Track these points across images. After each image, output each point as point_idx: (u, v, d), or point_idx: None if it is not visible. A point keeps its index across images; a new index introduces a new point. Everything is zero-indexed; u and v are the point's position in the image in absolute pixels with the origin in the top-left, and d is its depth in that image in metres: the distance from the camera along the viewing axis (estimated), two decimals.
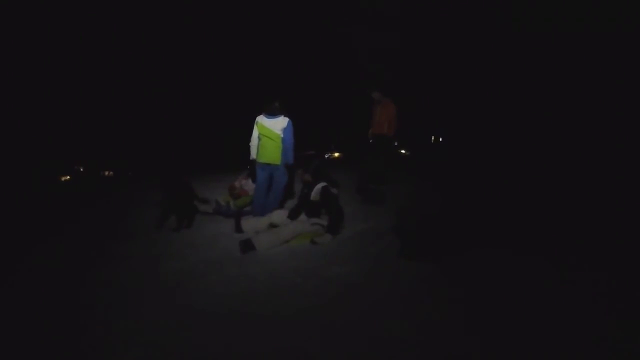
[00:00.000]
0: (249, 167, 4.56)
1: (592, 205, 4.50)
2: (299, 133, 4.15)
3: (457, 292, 2.41)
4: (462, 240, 3.14)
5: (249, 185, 4.73)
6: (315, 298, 2.37)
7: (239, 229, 3.78)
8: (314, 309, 2.23)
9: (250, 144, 4.25)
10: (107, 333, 2.06)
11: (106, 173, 14.99)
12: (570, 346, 1.83)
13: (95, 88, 14.27)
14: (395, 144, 21.04)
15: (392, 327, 2.02)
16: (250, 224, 3.85)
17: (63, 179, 13.76)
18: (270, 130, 4.02)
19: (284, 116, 4.05)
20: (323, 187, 3.62)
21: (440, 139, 20.23)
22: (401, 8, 13.57)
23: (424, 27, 14.08)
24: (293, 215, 3.81)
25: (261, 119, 4.09)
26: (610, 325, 1.99)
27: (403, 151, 18.94)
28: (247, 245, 3.29)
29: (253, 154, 4.23)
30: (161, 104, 15.90)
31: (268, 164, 4.10)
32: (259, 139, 4.11)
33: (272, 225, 3.78)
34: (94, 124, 14.91)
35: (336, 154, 14.44)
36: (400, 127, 5.50)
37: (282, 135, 4.03)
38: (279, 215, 3.86)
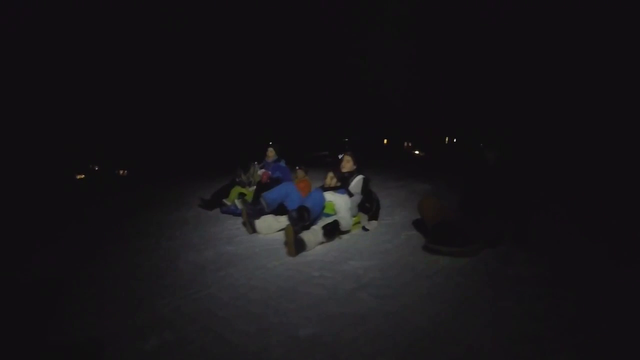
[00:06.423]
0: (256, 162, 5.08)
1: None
2: (312, 134, 4.19)
3: (478, 287, 2.31)
4: (480, 236, 3.02)
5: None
6: (330, 291, 2.32)
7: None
8: (329, 301, 2.19)
9: None
10: (122, 325, 2.05)
11: (121, 172, 15.23)
12: None
13: (108, 90, 14.67)
14: (410, 144, 21.00)
15: (406, 319, 1.95)
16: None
17: (78, 177, 14.04)
18: None
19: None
20: (364, 179, 3.72)
21: (455, 140, 20.00)
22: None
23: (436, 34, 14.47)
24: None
25: None
26: None
27: (417, 152, 18.80)
28: (300, 245, 3.02)
29: None
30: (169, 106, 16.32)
31: None
32: None
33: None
34: (109, 124, 15.26)
35: None
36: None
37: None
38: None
